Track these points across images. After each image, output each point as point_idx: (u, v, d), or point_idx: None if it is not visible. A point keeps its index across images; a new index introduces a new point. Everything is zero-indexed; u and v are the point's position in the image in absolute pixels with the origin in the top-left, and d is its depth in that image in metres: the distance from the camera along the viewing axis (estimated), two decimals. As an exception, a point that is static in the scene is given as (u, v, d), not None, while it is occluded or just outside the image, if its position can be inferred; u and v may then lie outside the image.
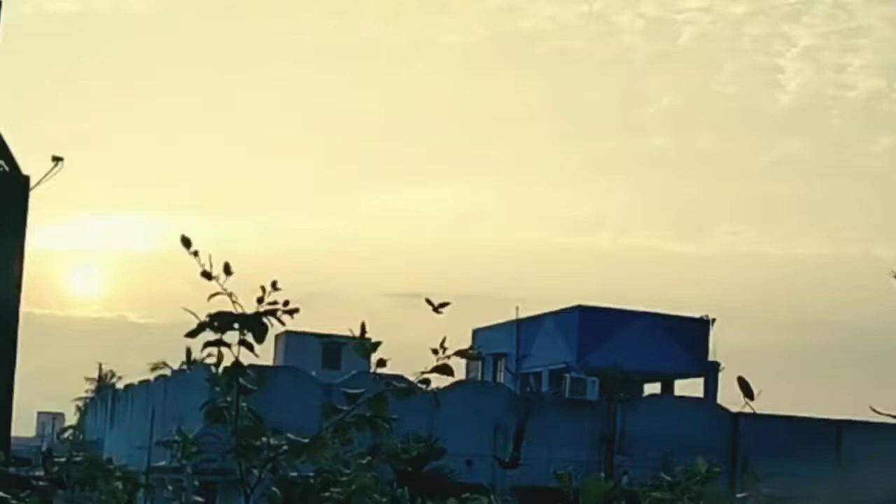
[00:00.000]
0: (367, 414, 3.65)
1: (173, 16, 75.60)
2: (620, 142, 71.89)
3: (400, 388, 3.65)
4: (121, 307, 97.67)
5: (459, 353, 3.67)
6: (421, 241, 73.44)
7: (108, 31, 77.13)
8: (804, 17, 73.85)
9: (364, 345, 3.66)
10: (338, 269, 74.62)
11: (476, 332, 46.79)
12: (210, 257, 3.52)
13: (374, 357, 3.74)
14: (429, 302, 3.64)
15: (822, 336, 68.79)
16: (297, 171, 76.96)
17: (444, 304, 3.65)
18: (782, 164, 71.16)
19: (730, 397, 38.01)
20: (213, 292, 3.59)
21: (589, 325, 42.04)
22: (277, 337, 43.20)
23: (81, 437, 56.17)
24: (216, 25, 76.85)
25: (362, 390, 3.69)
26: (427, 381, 3.64)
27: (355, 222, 75.70)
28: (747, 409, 4.22)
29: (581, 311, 42.45)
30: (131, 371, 57.73)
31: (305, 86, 75.72)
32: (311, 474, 4.26)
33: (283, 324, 3.66)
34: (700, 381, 43.08)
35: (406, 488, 5.11)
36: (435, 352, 3.60)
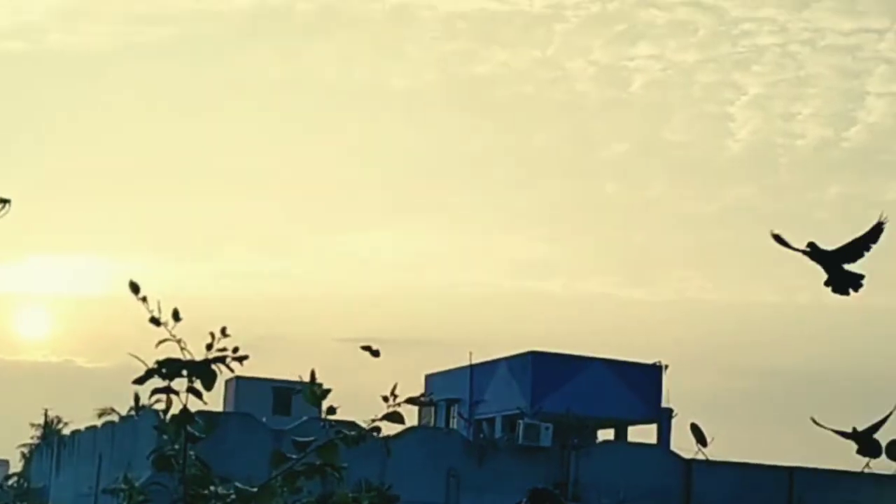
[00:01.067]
0: (317, 462, 3.60)
1: (125, 58, 75.43)
2: (572, 188, 72.43)
3: (350, 435, 3.61)
4: (69, 351, 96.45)
5: (410, 401, 3.64)
6: (373, 285, 73.32)
7: (59, 72, 76.77)
8: (754, 66, 75.08)
9: (314, 392, 3.62)
10: (289, 313, 74.25)
11: (429, 378, 46.66)
12: (159, 303, 3.48)
13: (325, 404, 3.69)
14: (365, 348, 3.63)
15: (773, 382, 69.34)
16: (249, 214, 76.68)
17: (376, 353, 3.64)
18: (733, 211, 71.99)
19: (683, 443, 38.15)
20: (162, 337, 3.54)
21: (542, 370, 42.05)
22: (227, 382, 42.83)
23: (26, 484, 55.19)
24: (169, 68, 76.73)
25: (312, 438, 3.65)
26: (378, 429, 3.61)
27: (307, 267, 75.49)
28: (700, 456, 4.23)
29: (534, 356, 42.49)
30: (79, 417, 56.91)
31: (257, 130, 75.68)
32: (260, 523, 4.18)
33: (232, 371, 3.62)
34: (653, 428, 43.18)
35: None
36: (385, 399, 3.57)
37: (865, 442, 6.38)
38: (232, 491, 3.67)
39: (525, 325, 67.06)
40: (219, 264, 75.65)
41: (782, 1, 71.01)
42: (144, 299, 3.46)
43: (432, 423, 43.79)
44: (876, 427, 6.52)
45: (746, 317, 68.84)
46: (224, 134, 76.33)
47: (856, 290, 5.84)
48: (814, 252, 5.62)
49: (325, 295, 74.01)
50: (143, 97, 76.05)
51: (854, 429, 6.47)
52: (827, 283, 5.79)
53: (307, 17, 71.58)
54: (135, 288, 3.46)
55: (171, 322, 3.49)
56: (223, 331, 3.55)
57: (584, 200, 71.72)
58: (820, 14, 69.28)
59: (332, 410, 3.66)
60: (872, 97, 72.87)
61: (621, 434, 43.97)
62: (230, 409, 42.05)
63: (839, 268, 5.82)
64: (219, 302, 63.30)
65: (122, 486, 4.30)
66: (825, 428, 6.51)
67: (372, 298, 70.84)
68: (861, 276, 5.84)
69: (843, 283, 5.81)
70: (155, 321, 3.47)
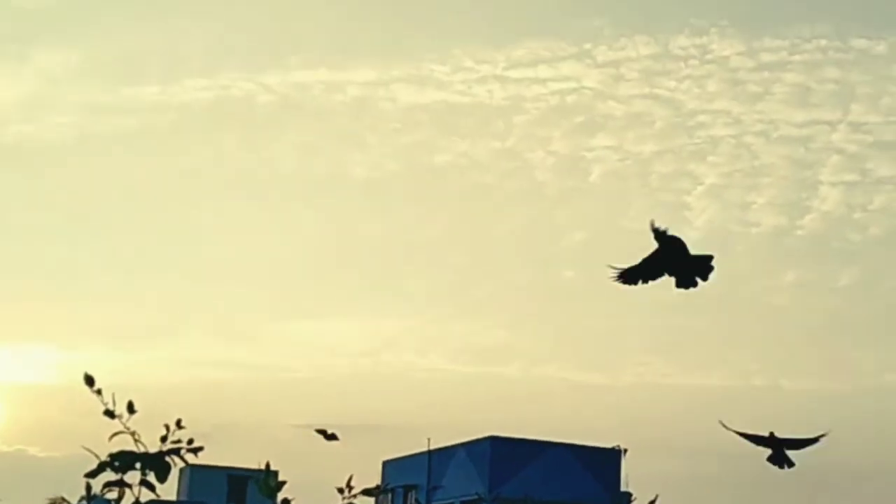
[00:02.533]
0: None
1: (86, 149, 75.46)
2: (531, 274, 72.71)
3: (305, 527, 3.58)
4: (21, 440, 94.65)
5: (366, 492, 3.63)
6: (331, 371, 72.85)
7: (19, 162, 76.53)
8: (710, 157, 76.11)
9: (268, 485, 3.61)
10: (246, 400, 73.50)
11: (386, 464, 46.18)
12: (114, 395, 3.46)
13: (280, 495, 3.68)
14: (321, 431, 3.63)
15: (731, 466, 69.34)
16: (206, 301, 76.18)
17: (331, 436, 3.65)
18: (690, 297, 71.87)
19: (642, 528, 37.76)
20: (116, 427, 3.52)
21: (501, 455, 41.81)
22: (181, 470, 42.21)
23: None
24: (129, 158, 76.76)
25: (267, 530, 3.62)
26: (333, 521, 3.59)
27: (264, 353, 74.93)
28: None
29: (493, 441, 42.25)
30: (29, 507, 55.65)
31: (216, 217, 75.60)
32: None
33: (186, 463, 3.60)
34: (612, 512, 42.94)
35: None
36: (341, 491, 3.56)
37: (778, 451, 6.16)
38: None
39: (484, 410, 66.80)
40: (175, 351, 74.95)
41: (737, 94, 72.48)
42: (99, 392, 3.45)
43: (390, 510, 43.24)
44: (799, 443, 6.25)
45: (704, 400, 69.03)
46: (183, 221, 76.16)
47: (704, 277, 5.61)
48: (658, 235, 5.40)
49: (281, 381, 73.44)
50: (102, 187, 75.88)
51: (772, 434, 6.23)
52: (672, 274, 5.60)
53: (269, 108, 71.94)
54: (90, 381, 3.46)
55: (125, 414, 3.48)
56: (178, 423, 3.54)
57: (542, 286, 72.01)
58: (774, 106, 70.68)
59: (286, 503, 3.64)
60: (826, 186, 74.05)
61: (581, 519, 43.68)
62: (184, 497, 41.37)
63: (685, 254, 5.62)
64: (174, 389, 62.63)
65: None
66: (733, 431, 6.31)
67: (329, 384, 70.43)
68: (710, 258, 5.61)
69: (691, 270, 5.58)
70: (109, 414, 3.46)
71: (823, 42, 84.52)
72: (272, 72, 76.87)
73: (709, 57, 75.31)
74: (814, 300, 72.57)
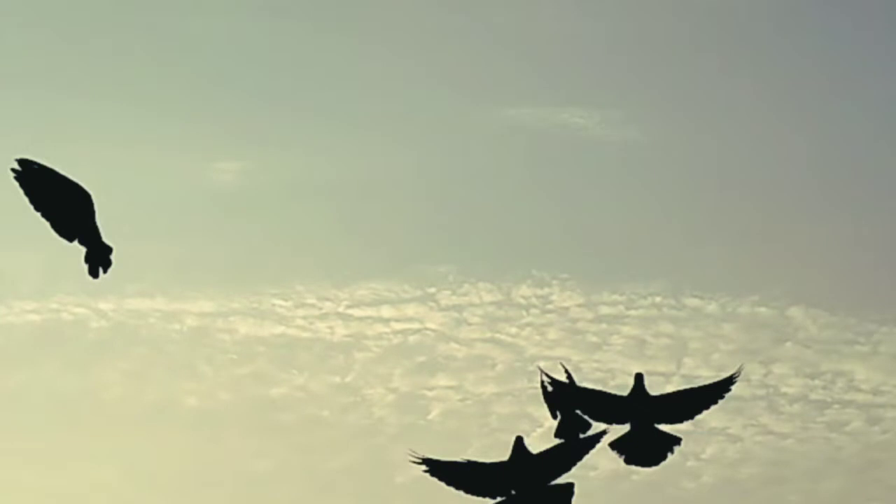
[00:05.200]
0: None
1: None
2: (365, 507, 70.64)
3: None
4: None
5: None
6: None
7: None
8: (548, 400, 77.23)
9: None
10: None
11: None
12: None
13: None
14: None
15: None
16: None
17: None
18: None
19: None
20: None
21: None
22: None
23: None
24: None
25: None
26: None
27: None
28: None
29: None
30: None
31: (37, 442, 71.95)
32: None
33: None
34: None
35: None
36: None
37: (642, 421, 3.89)
38: None
39: None
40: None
41: (576, 342, 73.92)
42: None
43: None
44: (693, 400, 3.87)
45: None
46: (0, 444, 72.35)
47: (108, 267, 5.03)
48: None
49: None
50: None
51: (638, 376, 3.83)
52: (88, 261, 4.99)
53: (100, 333, 70.11)
54: None
55: None
56: None
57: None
58: (611, 356, 72.14)
59: None
60: (663, 428, 75.67)
61: None
62: None
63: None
64: None
65: None
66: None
67: None
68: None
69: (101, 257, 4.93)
70: None
71: (658, 299, 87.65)
72: (107, 298, 75.26)
73: (549, 307, 77.16)
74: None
